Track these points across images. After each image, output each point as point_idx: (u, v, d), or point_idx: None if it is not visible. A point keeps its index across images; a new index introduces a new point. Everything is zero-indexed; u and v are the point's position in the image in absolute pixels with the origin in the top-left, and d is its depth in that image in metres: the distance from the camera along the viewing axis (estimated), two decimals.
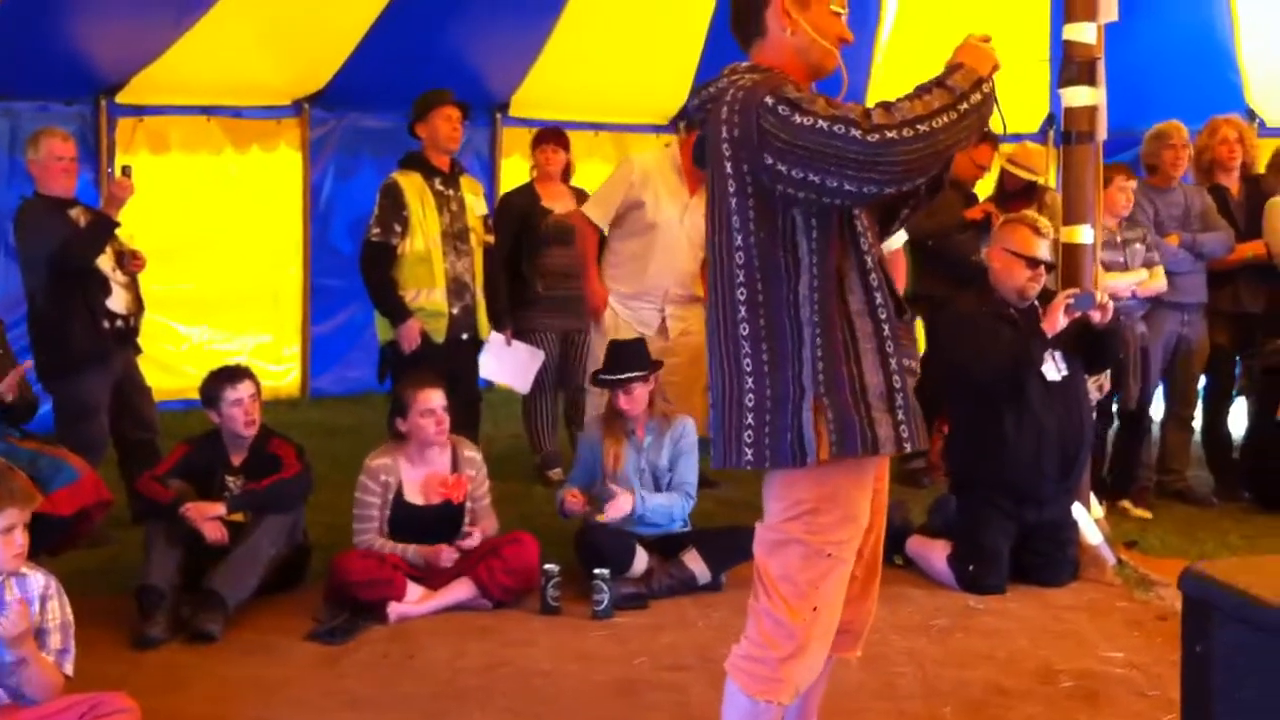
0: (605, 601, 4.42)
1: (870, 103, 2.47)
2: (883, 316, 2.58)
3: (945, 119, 2.42)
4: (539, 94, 8.47)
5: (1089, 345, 4.93)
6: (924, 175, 2.49)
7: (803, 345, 2.52)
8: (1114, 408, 6.06)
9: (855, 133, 2.37)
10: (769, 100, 2.45)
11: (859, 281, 2.57)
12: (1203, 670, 1.23)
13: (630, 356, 4.87)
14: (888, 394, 2.57)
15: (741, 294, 2.56)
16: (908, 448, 2.62)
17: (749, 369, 2.57)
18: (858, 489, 2.64)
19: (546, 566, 4.51)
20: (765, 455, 2.56)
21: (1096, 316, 4.81)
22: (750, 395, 2.57)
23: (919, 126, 2.39)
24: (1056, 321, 4.78)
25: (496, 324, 5.86)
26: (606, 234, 5.64)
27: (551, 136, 6.61)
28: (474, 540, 4.56)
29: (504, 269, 6.13)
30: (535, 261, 6.28)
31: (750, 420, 2.56)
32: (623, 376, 4.81)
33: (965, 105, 2.45)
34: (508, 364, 5.98)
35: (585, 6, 7.73)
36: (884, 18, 8.38)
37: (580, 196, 6.24)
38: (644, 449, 4.87)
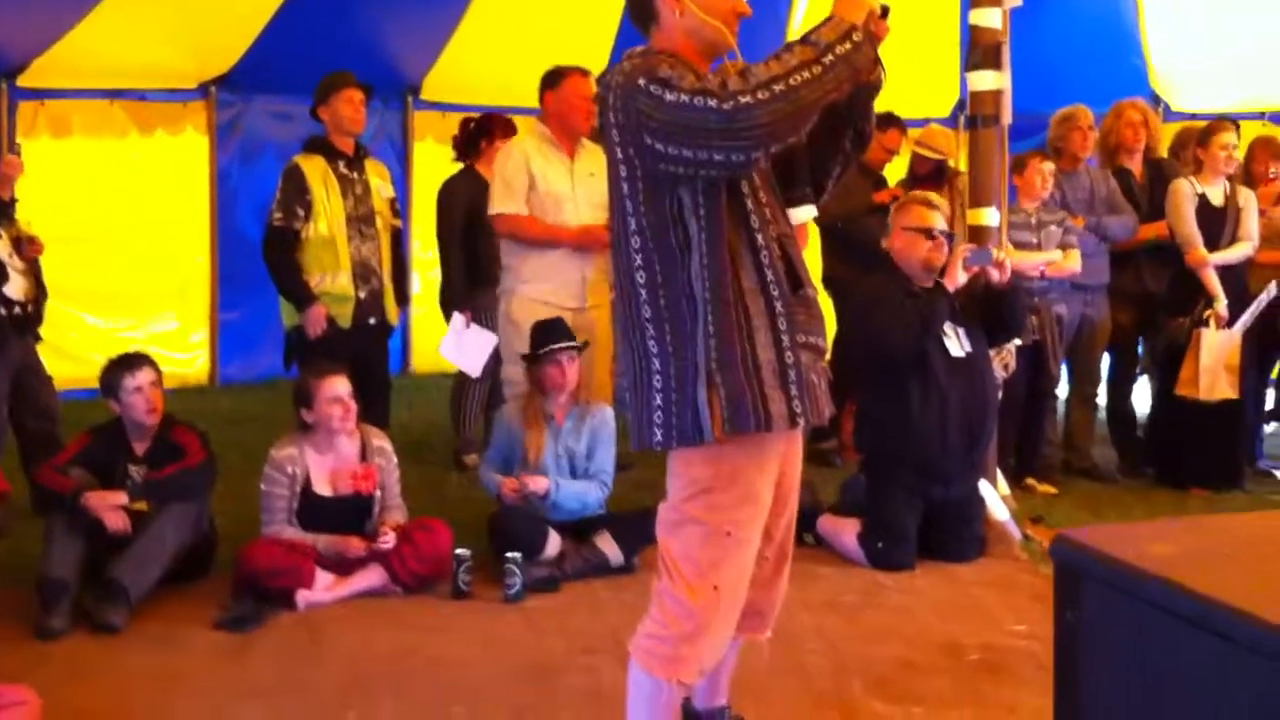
0: (517, 585, 4.41)
1: None
2: (775, 293, 2.59)
3: (805, 75, 2.41)
4: (452, 77, 8.40)
5: (991, 309, 5.02)
6: (793, 134, 2.48)
7: (698, 323, 2.54)
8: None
9: (712, 102, 2.38)
10: (642, 82, 2.47)
11: (750, 259, 2.58)
12: (1073, 637, 1.25)
13: (558, 331, 4.86)
14: (780, 370, 2.58)
15: (641, 277, 2.58)
16: (801, 423, 2.63)
17: (654, 350, 2.58)
18: (756, 468, 2.65)
19: (458, 551, 4.49)
20: (672, 435, 2.57)
21: (995, 275, 4.92)
22: (657, 376, 2.58)
23: (774, 87, 2.38)
24: (956, 275, 4.91)
25: (452, 307, 5.85)
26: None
27: (499, 123, 6.52)
28: (390, 542, 4.48)
29: (460, 251, 6.09)
30: (489, 245, 6.17)
31: (658, 401, 2.58)
32: (558, 346, 4.79)
33: (830, 57, 2.44)
34: (466, 346, 5.93)
35: None
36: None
37: None
38: (563, 435, 4.85)
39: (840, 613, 4.35)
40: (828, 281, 6.72)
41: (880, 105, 6.79)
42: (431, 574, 4.53)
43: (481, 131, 6.39)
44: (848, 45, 2.46)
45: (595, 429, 4.87)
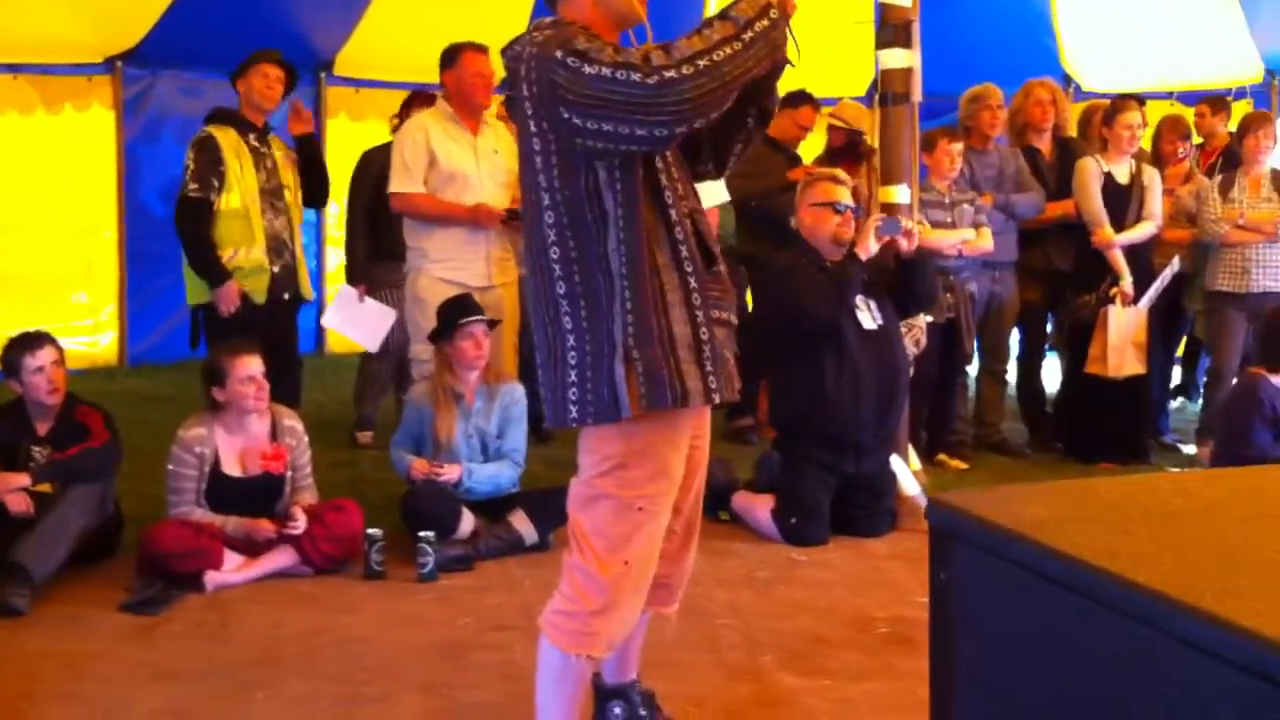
0: (430, 565, 4.39)
1: None
2: (689, 269, 2.59)
3: (728, 50, 2.41)
4: (365, 53, 8.31)
5: (901, 280, 5.09)
6: (716, 109, 2.46)
7: (614, 299, 2.52)
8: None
9: (636, 76, 2.36)
10: (559, 54, 2.43)
11: (665, 235, 2.58)
12: (946, 598, 1.28)
13: (468, 306, 4.83)
14: (695, 346, 2.58)
15: (555, 253, 2.55)
16: (716, 399, 2.63)
17: (569, 327, 2.57)
18: (669, 444, 2.65)
19: (370, 531, 4.45)
20: (589, 412, 2.56)
21: (904, 243, 5.01)
22: (573, 353, 2.57)
23: (699, 62, 2.38)
24: (868, 244, 4.96)
25: (351, 279, 5.77)
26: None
27: (422, 100, 6.47)
28: (299, 526, 4.42)
29: (364, 225, 6.02)
30: (397, 219, 6.10)
31: (574, 378, 2.57)
32: (471, 320, 4.76)
33: (750, 33, 2.44)
34: (357, 320, 5.86)
35: None
36: None
37: None
38: (473, 415, 4.83)
39: (753, 588, 4.38)
40: (744, 259, 6.76)
41: (795, 83, 6.92)
42: (343, 554, 4.50)
43: (409, 108, 6.34)
44: (766, 21, 2.47)
45: (505, 407, 4.86)
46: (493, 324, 4.87)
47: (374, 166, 6.20)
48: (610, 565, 2.63)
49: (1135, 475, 2.21)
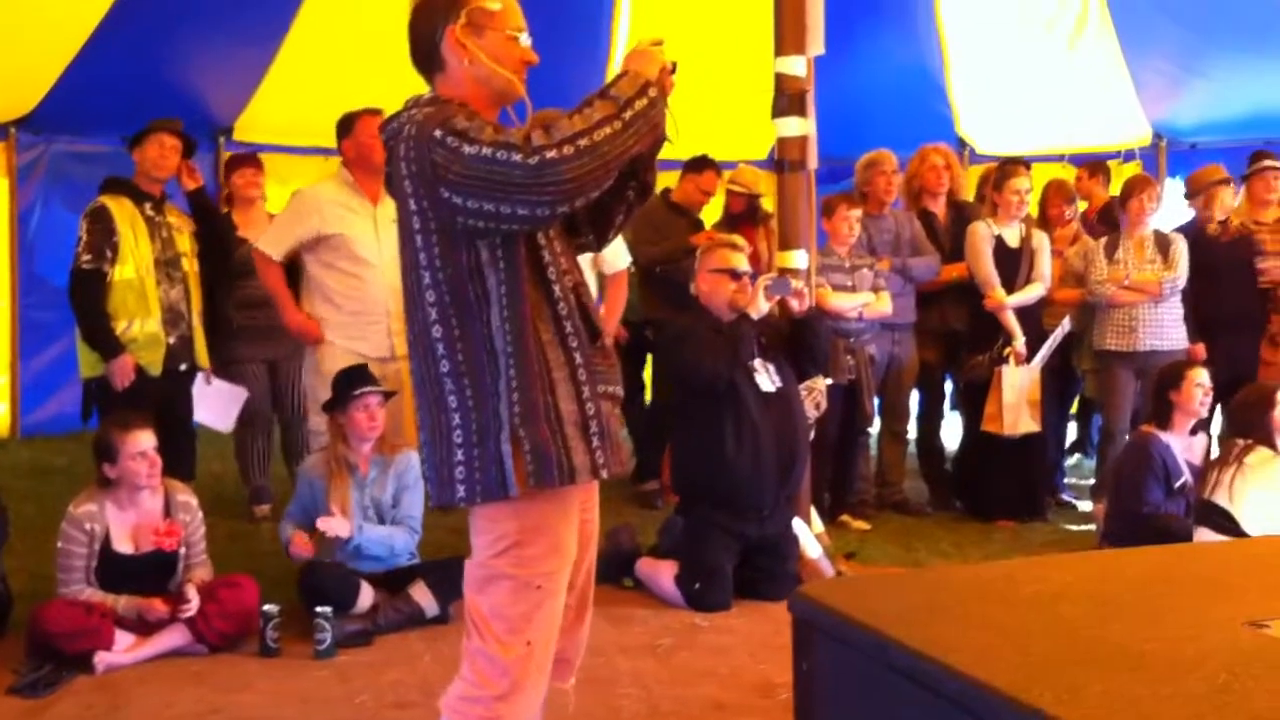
0: (328, 640, 4.32)
1: None
2: (574, 345, 2.59)
3: (608, 129, 2.41)
4: (264, 118, 8.27)
5: (796, 340, 5.16)
6: (597, 188, 2.46)
7: (499, 377, 2.51)
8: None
9: (516, 157, 2.35)
10: (438, 133, 2.42)
11: (549, 311, 2.57)
12: (808, 688, 1.29)
13: (363, 376, 4.80)
14: (582, 422, 2.57)
15: (438, 332, 2.53)
16: (604, 474, 2.62)
17: (454, 405, 2.54)
18: (561, 520, 2.63)
19: (265, 608, 4.37)
20: (476, 490, 2.53)
21: (795, 304, 5.05)
22: (458, 432, 2.54)
23: (579, 142, 2.38)
24: (759, 302, 4.99)
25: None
26: (293, 263, 5.38)
27: (248, 160, 6.43)
28: (193, 606, 4.33)
29: (211, 302, 5.96)
30: (233, 293, 6.00)
31: (460, 456, 2.53)
32: (365, 390, 4.72)
33: (630, 112, 2.45)
34: (209, 402, 5.76)
35: (309, 28, 7.60)
36: (616, 38, 8.51)
37: None
38: (367, 485, 4.78)
39: (656, 656, 4.37)
40: (647, 325, 6.80)
41: (696, 148, 6.99)
42: (238, 631, 4.41)
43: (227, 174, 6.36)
44: (644, 101, 2.48)
45: (400, 475, 4.81)
46: (388, 395, 4.84)
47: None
48: (512, 647, 2.59)
49: (989, 564, 2.25)
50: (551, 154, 2.35)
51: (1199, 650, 1.18)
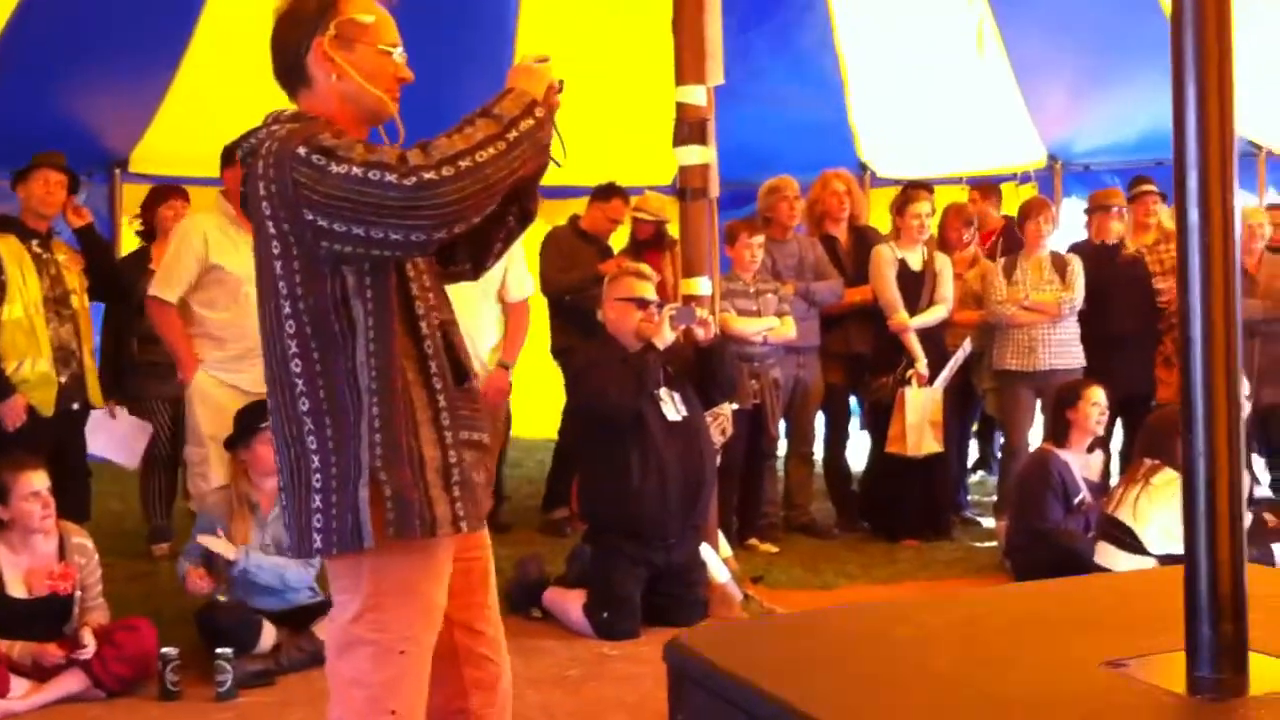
0: (229, 682, 4.23)
1: None
2: (438, 386, 2.40)
3: (491, 150, 2.25)
4: (160, 150, 8.13)
5: (701, 368, 5.18)
6: (479, 213, 2.29)
7: (361, 418, 2.31)
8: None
9: (391, 178, 2.17)
10: (302, 151, 2.23)
11: (414, 348, 2.38)
12: None
13: (264, 412, 4.71)
14: (444, 470, 2.38)
15: (297, 366, 2.33)
16: (463, 528, 2.39)
17: (314, 447, 2.33)
18: (426, 576, 2.40)
19: (164, 650, 4.27)
20: (332, 541, 2.32)
21: (700, 332, 5.09)
22: (317, 476, 2.32)
23: (460, 163, 2.20)
24: (664, 332, 5.00)
25: (104, 394, 5.54)
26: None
27: (175, 193, 6.34)
28: (89, 650, 4.22)
29: (118, 334, 5.84)
30: (143, 328, 5.84)
31: (318, 503, 2.32)
32: (266, 425, 4.63)
33: (515, 133, 2.28)
34: (114, 437, 5.64)
35: (203, 58, 7.50)
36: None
37: None
38: (269, 524, 4.70)
39: (565, 687, 4.34)
40: (557, 353, 6.80)
41: (603, 175, 6.99)
42: (136, 675, 4.31)
43: (148, 208, 6.25)
44: (531, 121, 2.31)
45: None
46: None
47: (126, 276, 6.02)
48: (372, 719, 2.38)
49: (862, 606, 2.26)
50: (430, 175, 2.17)
51: (1058, 693, 1.21)
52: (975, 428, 7.87)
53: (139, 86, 7.70)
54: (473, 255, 2.64)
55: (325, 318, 2.31)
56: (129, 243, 7.42)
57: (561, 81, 2.44)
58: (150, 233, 6.34)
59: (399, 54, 2.46)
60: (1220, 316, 1.23)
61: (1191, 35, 1.23)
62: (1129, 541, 5.26)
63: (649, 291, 5.16)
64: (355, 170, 2.19)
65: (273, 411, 2.44)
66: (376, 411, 2.31)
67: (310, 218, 2.24)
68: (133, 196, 8.31)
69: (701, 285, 5.44)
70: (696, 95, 5.37)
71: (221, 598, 4.55)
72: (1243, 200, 7.95)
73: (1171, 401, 6.01)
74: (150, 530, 6.21)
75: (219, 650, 4.25)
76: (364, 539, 2.30)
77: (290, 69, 2.45)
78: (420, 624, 2.40)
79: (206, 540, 4.53)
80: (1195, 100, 1.24)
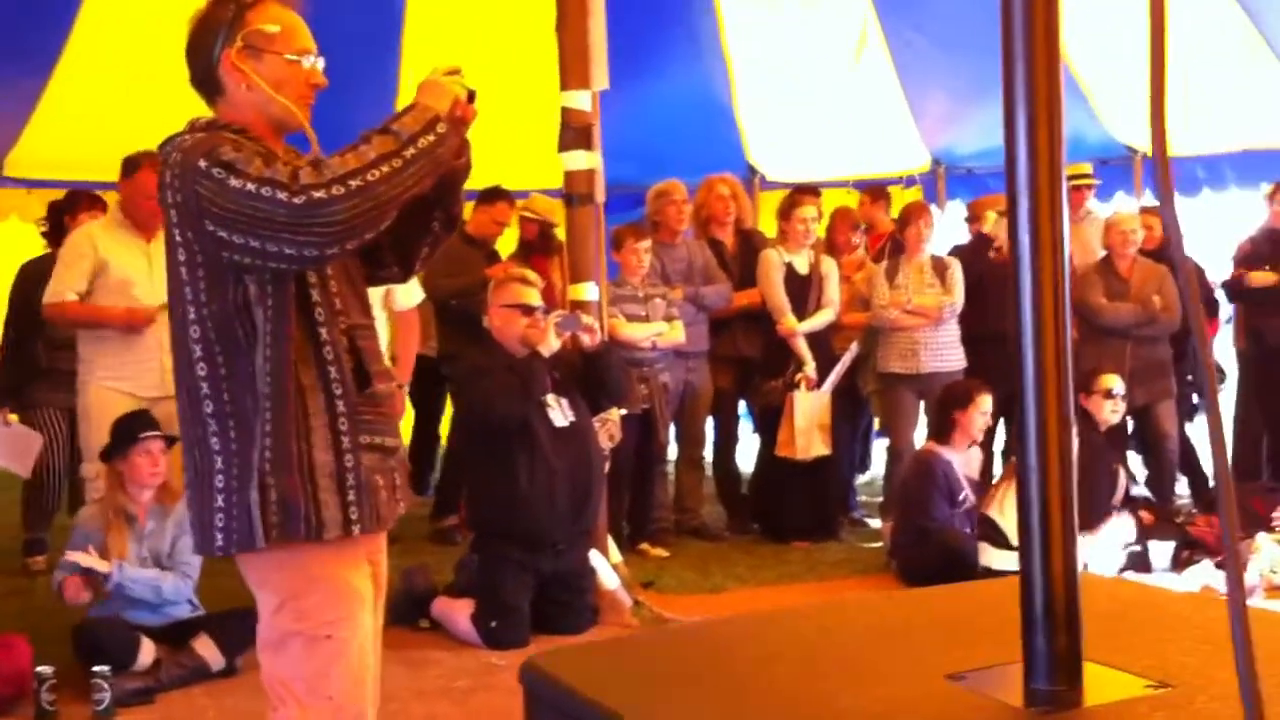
0: (106, 700, 4.13)
1: None
2: (338, 392, 2.44)
3: (385, 169, 2.29)
4: (38, 152, 7.93)
5: (589, 374, 5.20)
6: (372, 230, 2.34)
7: (257, 422, 2.38)
8: None
9: (281, 195, 2.23)
10: (203, 164, 2.29)
11: (313, 353, 2.43)
12: None
13: (143, 421, 4.63)
14: (338, 474, 2.43)
15: (202, 370, 2.39)
16: (356, 531, 2.45)
17: (216, 448, 2.40)
18: (341, 564, 2.48)
19: (40, 669, 4.17)
20: (232, 540, 2.40)
21: (586, 339, 5.12)
22: (219, 477, 2.40)
23: (350, 182, 2.25)
24: (549, 339, 5.01)
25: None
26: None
27: (95, 201, 6.19)
28: None
29: (16, 340, 5.70)
30: (45, 334, 5.80)
31: (220, 503, 2.39)
32: (148, 435, 4.56)
33: (412, 150, 2.33)
34: (5, 445, 5.51)
35: (82, 56, 7.33)
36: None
37: None
38: (146, 537, 4.61)
39: (452, 698, 4.33)
40: (446, 358, 6.75)
41: (489, 179, 6.96)
42: (11, 694, 4.21)
43: (64, 211, 6.09)
44: (431, 137, 2.35)
45: (180, 523, 4.64)
46: (171, 440, 4.68)
47: (31, 279, 5.90)
48: (314, 708, 2.45)
49: (724, 620, 2.28)
50: (319, 194, 2.23)
51: (898, 706, 1.24)
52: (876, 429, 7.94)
53: (13, 89, 7.50)
54: (399, 259, 2.71)
55: (229, 324, 2.38)
56: (7, 246, 7.26)
57: (473, 92, 2.47)
58: (58, 237, 6.16)
59: (310, 61, 2.50)
60: (1051, 337, 1.26)
61: (1022, 68, 1.27)
62: (997, 539, 5.39)
63: (534, 298, 5.16)
64: (249, 186, 2.26)
65: (180, 413, 2.50)
66: (269, 416, 2.38)
67: (211, 229, 2.31)
68: (9, 200, 8.13)
69: (589, 291, 5.45)
70: (581, 100, 5.38)
71: (91, 609, 4.44)
72: (1118, 204, 8.19)
73: None
74: (26, 542, 6.07)
75: (96, 668, 4.16)
76: (255, 540, 2.38)
77: (204, 79, 2.52)
78: (340, 609, 2.47)
79: (77, 556, 4.42)
80: (1025, 129, 1.28)
